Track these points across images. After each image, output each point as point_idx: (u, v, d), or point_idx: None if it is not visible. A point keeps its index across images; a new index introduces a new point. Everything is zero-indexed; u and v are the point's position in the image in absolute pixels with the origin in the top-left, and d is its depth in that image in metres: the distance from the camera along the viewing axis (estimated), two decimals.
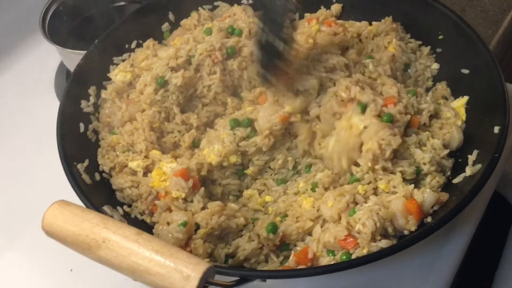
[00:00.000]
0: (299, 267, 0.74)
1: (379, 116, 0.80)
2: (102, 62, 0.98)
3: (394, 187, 0.76)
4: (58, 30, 1.18)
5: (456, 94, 0.92)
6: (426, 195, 0.74)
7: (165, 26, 1.05)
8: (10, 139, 1.22)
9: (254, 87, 0.94)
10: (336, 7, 1.05)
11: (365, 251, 0.71)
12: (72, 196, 0.75)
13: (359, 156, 0.79)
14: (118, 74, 0.96)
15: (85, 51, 0.98)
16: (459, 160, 0.82)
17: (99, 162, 0.88)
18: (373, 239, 0.72)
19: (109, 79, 0.98)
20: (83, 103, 0.93)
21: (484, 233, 0.93)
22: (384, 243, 0.72)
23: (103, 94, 0.95)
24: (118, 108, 0.92)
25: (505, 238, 1.07)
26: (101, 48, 0.98)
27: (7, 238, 1.07)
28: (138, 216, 0.84)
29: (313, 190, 0.81)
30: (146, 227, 0.81)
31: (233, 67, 0.93)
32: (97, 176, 0.86)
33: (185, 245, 0.75)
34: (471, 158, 0.80)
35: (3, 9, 1.36)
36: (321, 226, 0.76)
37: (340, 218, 0.75)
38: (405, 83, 0.93)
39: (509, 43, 1.11)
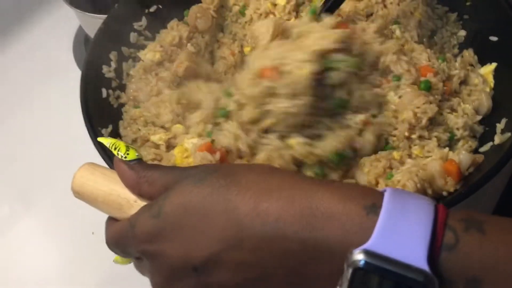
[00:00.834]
0: None
1: (414, 84, 0.79)
2: (122, 27, 0.97)
3: (429, 151, 0.75)
4: None
5: (483, 62, 0.90)
6: (462, 156, 0.73)
7: None
8: (29, 104, 1.23)
9: None
10: None
11: None
12: (95, 159, 0.75)
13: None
14: (148, 53, 0.96)
15: (105, 16, 0.97)
16: (486, 128, 0.81)
17: (121, 134, 0.88)
18: None
19: (130, 45, 0.97)
20: (105, 68, 0.92)
21: (506, 205, 0.93)
22: None
23: (132, 71, 0.95)
24: (146, 84, 0.91)
25: None
26: (121, 13, 0.97)
27: (26, 203, 1.08)
28: None
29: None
30: None
31: None
32: None
33: None
34: (500, 126, 0.78)
35: None
36: None
37: (378, 183, 0.74)
38: (431, 49, 0.91)
39: None
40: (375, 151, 0.78)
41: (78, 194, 0.59)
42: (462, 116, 0.80)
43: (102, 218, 0.60)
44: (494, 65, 0.87)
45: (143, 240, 0.51)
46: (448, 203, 0.69)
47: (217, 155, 0.77)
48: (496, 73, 0.87)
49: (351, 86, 0.77)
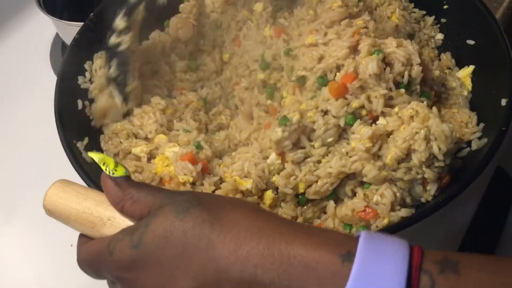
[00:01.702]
0: None
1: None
2: (98, 36, 0.96)
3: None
4: (53, 1, 1.15)
5: (460, 66, 0.90)
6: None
7: None
8: (5, 113, 1.21)
9: None
10: None
11: (385, 221, 0.70)
12: (70, 172, 0.74)
13: None
14: None
15: (81, 23, 0.95)
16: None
17: (103, 148, 0.87)
18: (392, 209, 0.71)
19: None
20: (80, 79, 0.90)
21: (484, 210, 0.93)
22: (404, 212, 0.71)
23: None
24: None
25: (506, 215, 1.07)
26: (97, 21, 0.95)
27: (4, 213, 1.07)
28: None
29: None
30: None
31: None
32: None
33: None
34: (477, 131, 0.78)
35: None
36: (335, 202, 0.75)
37: (354, 193, 0.74)
38: None
39: None
40: None
41: (50, 212, 0.58)
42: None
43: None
44: (471, 67, 0.88)
45: (120, 268, 0.51)
46: (427, 210, 0.69)
47: (199, 166, 0.77)
48: (473, 77, 0.87)
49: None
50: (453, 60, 0.91)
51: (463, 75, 0.88)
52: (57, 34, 1.29)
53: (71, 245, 0.96)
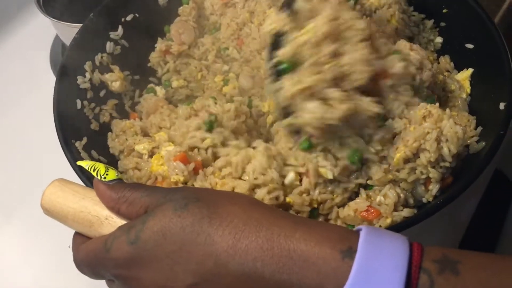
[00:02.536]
0: None
1: None
2: (98, 36, 0.96)
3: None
4: (53, 2, 1.15)
5: (459, 69, 0.90)
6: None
7: None
8: (5, 114, 1.21)
9: None
10: None
11: (388, 221, 0.70)
12: (69, 172, 0.74)
13: None
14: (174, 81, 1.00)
15: (80, 25, 0.95)
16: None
17: (109, 145, 0.87)
18: (395, 209, 0.71)
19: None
20: (80, 79, 0.90)
21: (483, 211, 0.93)
22: (406, 212, 0.71)
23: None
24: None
25: (504, 216, 1.07)
26: (97, 21, 0.96)
27: (3, 213, 1.07)
28: None
29: None
30: None
31: None
32: (95, 155, 0.84)
33: None
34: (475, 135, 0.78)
35: None
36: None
37: (357, 194, 0.74)
38: None
39: None
40: None
41: (48, 211, 0.58)
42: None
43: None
44: (470, 70, 0.88)
45: (118, 265, 0.51)
46: (430, 210, 0.69)
47: (191, 166, 0.76)
48: (472, 80, 0.87)
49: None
50: (451, 63, 0.92)
51: (462, 77, 0.88)
52: (57, 36, 1.29)
53: (69, 246, 0.97)
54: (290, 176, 0.72)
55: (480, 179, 0.70)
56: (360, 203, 0.72)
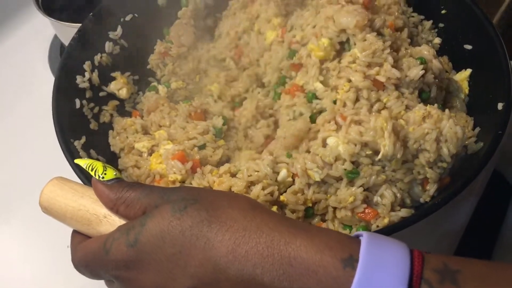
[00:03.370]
0: None
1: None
2: (97, 36, 0.96)
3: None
4: (52, 2, 1.16)
5: (457, 70, 0.90)
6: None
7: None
8: (4, 113, 1.21)
9: None
10: None
11: (386, 221, 0.70)
12: (67, 171, 0.74)
13: None
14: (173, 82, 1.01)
15: (79, 24, 0.95)
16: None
17: (110, 143, 0.88)
18: (392, 209, 0.71)
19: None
20: (79, 79, 0.91)
21: (481, 212, 0.93)
22: (403, 212, 0.71)
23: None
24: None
25: (503, 218, 1.07)
26: (96, 21, 0.96)
27: (2, 213, 1.07)
28: None
29: None
30: None
31: None
32: (94, 154, 0.84)
33: None
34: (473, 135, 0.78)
35: None
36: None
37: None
38: None
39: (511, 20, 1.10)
40: None
41: (46, 209, 0.58)
42: None
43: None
44: (468, 71, 0.88)
45: (118, 267, 0.50)
46: (427, 210, 0.69)
47: (189, 165, 0.77)
48: (470, 81, 0.87)
49: None
50: (450, 64, 0.92)
51: (460, 78, 0.89)
52: (55, 36, 1.29)
53: (67, 246, 0.97)
54: (283, 173, 0.73)
55: (478, 180, 0.70)
56: (357, 204, 0.72)
